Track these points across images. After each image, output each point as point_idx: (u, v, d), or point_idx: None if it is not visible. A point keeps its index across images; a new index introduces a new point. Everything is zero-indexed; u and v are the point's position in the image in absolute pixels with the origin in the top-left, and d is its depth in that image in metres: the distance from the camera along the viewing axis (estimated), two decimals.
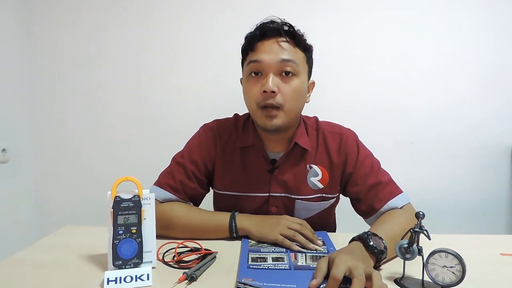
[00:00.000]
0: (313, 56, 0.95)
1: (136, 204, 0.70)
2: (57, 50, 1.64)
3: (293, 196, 0.95)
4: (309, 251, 0.78)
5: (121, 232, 0.69)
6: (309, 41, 0.92)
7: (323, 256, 0.71)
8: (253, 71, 0.87)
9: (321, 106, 1.37)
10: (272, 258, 0.74)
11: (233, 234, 0.86)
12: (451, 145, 1.64)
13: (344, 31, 1.58)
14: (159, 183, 0.95)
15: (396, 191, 0.92)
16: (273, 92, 0.83)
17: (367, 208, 0.93)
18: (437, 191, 1.66)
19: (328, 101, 1.57)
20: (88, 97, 1.66)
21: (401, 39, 1.58)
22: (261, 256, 0.75)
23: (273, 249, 0.79)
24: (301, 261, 0.72)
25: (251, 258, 0.74)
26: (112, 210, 0.69)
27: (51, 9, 1.62)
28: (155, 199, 0.80)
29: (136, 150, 1.66)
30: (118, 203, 0.70)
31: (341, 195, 1.02)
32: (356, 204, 0.97)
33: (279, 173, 0.94)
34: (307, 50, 0.91)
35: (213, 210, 1.04)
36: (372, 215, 0.92)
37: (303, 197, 0.94)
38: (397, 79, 1.60)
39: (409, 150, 1.64)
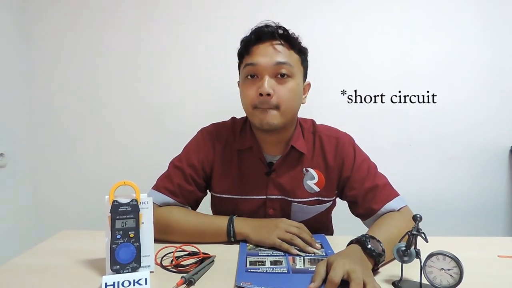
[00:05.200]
0: (310, 58, 0.96)
1: (134, 209, 0.70)
2: (55, 53, 1.64)
3: (289, 199, 0.95)
4: (307, 254, 0.78)
5: (119, 236, 0.69)
6: (305, 43, 0.94)
7: (322, 259, 0.72)
8: (249, 74, 0.88)
9: (318, 109, 1.38)
10: (270, 261, 0.74)
11: (231, 238, 0.86)
12: (448, 147, 1.64)
13: (341, 32, 1.59)
14: (157, 187, 0.95)
15: (393, 194, 0.93)
16: (269, 94, 0.85)
17: (364, 211, 0.93)
18: (434, 193, 1.66)
19: (324, 103, 1.58)
20: (86, 100, 1.65)
21: (398, 41, 1.59)
22: (259, 259, 0.75)
23: (271, 253, 0.79)
24: (300, 264, 0.73)
25: (249, 261, 0.74)
26: (110, 214, 0.69)
27: (48, 11, 1.62)
28: (153, 203, 0.80)
29: (135, 154, 1.66)
30: (116, 207, 0.70)
31: (338, 198, 1.02)
32: (354, 207, 0.97)
33: (276, 176, 0.95)
34: (301, 52, 0.92)
35: (211, 212, 1.05)
36: (370, 217, 0.92)
37: (300, 199, 0.95)
38: (394, 81, 1.61)
39: (407, 152, 1.64)
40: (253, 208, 0.96)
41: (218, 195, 0.99)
